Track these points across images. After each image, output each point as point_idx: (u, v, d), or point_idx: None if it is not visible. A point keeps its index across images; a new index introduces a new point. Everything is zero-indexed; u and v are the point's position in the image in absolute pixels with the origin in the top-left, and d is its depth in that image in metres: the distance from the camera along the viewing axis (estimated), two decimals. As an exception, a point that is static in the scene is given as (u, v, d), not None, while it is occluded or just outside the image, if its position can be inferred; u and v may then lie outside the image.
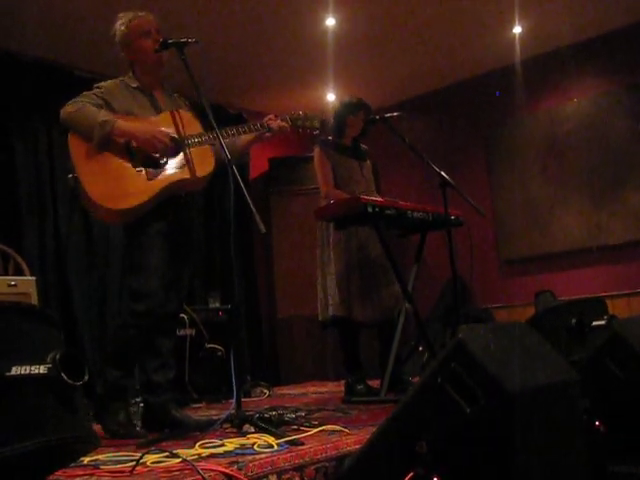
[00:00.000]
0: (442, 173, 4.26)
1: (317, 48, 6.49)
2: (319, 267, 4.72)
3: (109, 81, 3.64)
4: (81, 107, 3.43)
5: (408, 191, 6.86)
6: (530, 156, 7.09)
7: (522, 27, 6.45)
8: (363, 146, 4.97)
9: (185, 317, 5.44)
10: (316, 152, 4.78)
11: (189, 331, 5.45)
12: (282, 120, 3.75)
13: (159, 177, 3.46)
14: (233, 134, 3.61)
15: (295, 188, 7.52)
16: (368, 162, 4.97)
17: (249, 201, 3.04)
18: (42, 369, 1.80)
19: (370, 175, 4.96)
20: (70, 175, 3.41)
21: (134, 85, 3.63)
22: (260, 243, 7.72)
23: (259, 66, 6.90)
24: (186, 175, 3.50)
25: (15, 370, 1.74)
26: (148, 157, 3.45)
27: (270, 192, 7.72)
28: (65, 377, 1.83)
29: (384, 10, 5.95)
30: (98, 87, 3.57)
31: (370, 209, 4.14)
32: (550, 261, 6.91)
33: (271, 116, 3.74)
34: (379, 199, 4.41)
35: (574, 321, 3.13)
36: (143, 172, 3.44)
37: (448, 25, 6.30)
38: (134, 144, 3.43)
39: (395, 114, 4.64)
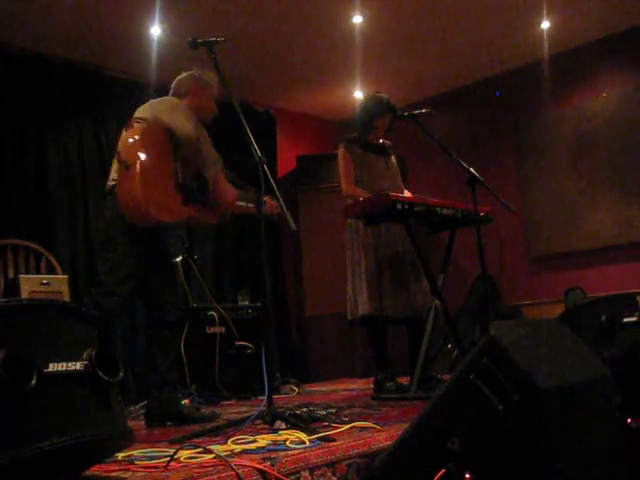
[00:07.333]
0: (471, 170, 4.25)
1: (344, 45, 6.50)
2: (349, 267, 4.71)
3: None
4: None
5: (437, 187, 6.83)
6: (559, 152, 7.03)
7: (550, 22, 6.40)
8: (387, 142, 4.96)
9: (215, 315, 5.49)
10: (340, 152, 4.80)
11: (219, 329, 5.50)
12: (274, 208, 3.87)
13: (190, 205, 3.61)
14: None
15: (323, 186, 7.50)
16: (393, 157, 4.98)
17: (280, 199, 3.05)
18: (78, 366, 1.84)
19: (396, 169, 4.96)
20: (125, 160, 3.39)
21: None
22: (288, 241, 7.74)
23: (286, 63, 6.92)
24: (211, 219, 3.80)
25: (52, 367, 1.78)
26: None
27: (298, 190, 7.74)
28: (101, 374, 1.86)
29: (411, 6, 5.94)
30: None
31: (399, 206, 4.12)
32: (580, 258, 6.86)
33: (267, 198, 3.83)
34: (408, 196, 4.40)
35: (604, 318, 3.10)
36: (180, 194, 3.57)
37: (476, 21, 6.27)
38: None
39: (424, 111, 4.62)
